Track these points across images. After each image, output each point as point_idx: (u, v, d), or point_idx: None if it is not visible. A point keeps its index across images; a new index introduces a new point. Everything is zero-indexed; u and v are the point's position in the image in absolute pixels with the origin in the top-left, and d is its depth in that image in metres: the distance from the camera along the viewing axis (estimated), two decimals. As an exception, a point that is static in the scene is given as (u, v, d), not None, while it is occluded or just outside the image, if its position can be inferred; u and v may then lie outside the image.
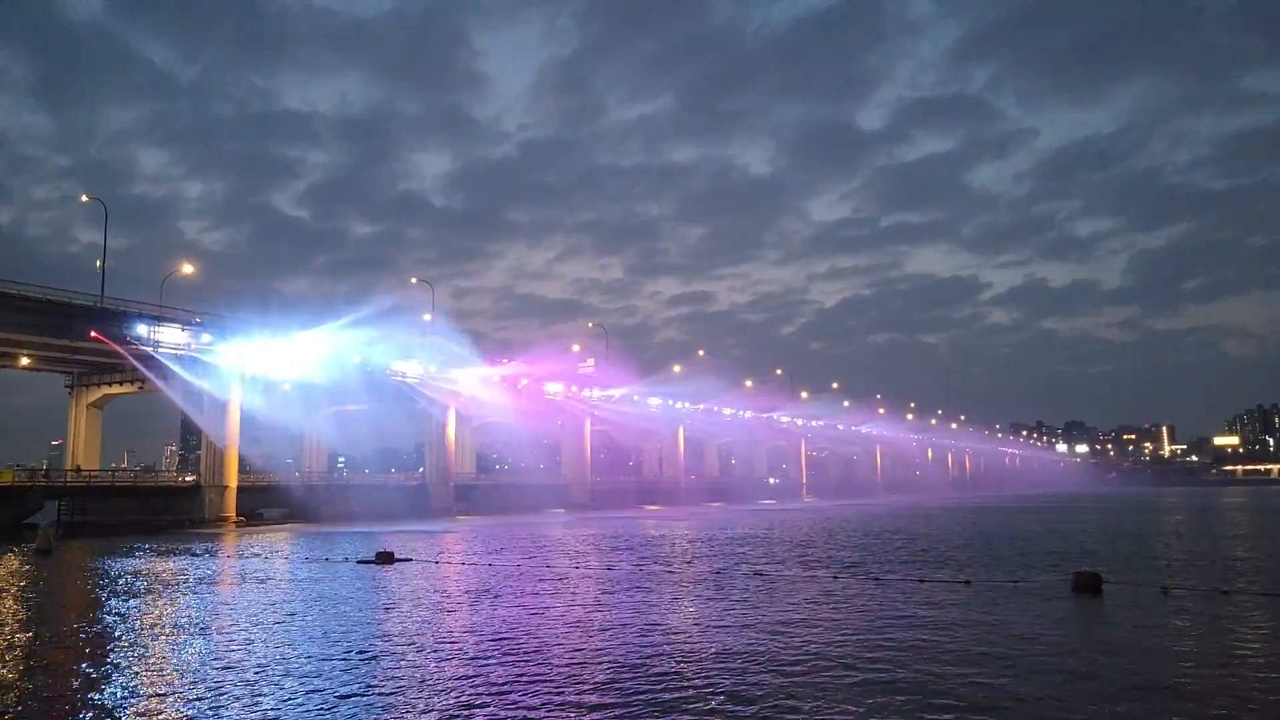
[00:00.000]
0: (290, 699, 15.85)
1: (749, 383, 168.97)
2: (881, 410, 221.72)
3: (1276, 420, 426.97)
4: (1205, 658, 19.14)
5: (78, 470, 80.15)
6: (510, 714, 14.79)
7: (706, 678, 17.32)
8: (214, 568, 42.17)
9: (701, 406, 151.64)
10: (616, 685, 16.77)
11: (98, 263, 76.18)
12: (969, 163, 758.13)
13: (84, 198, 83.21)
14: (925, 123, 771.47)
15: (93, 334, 71.19)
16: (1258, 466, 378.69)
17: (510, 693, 16.19)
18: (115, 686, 16.96)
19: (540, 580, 34.53)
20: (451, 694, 16.19)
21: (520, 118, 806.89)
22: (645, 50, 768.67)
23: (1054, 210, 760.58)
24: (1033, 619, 24.27)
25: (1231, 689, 16.35)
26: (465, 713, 14.91)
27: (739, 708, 15.11)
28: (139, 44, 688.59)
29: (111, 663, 19.26)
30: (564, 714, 14.81)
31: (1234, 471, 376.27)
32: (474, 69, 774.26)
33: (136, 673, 18.18)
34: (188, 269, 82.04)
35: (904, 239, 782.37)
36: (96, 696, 16.18)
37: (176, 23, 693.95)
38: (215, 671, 18.25)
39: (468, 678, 17.49)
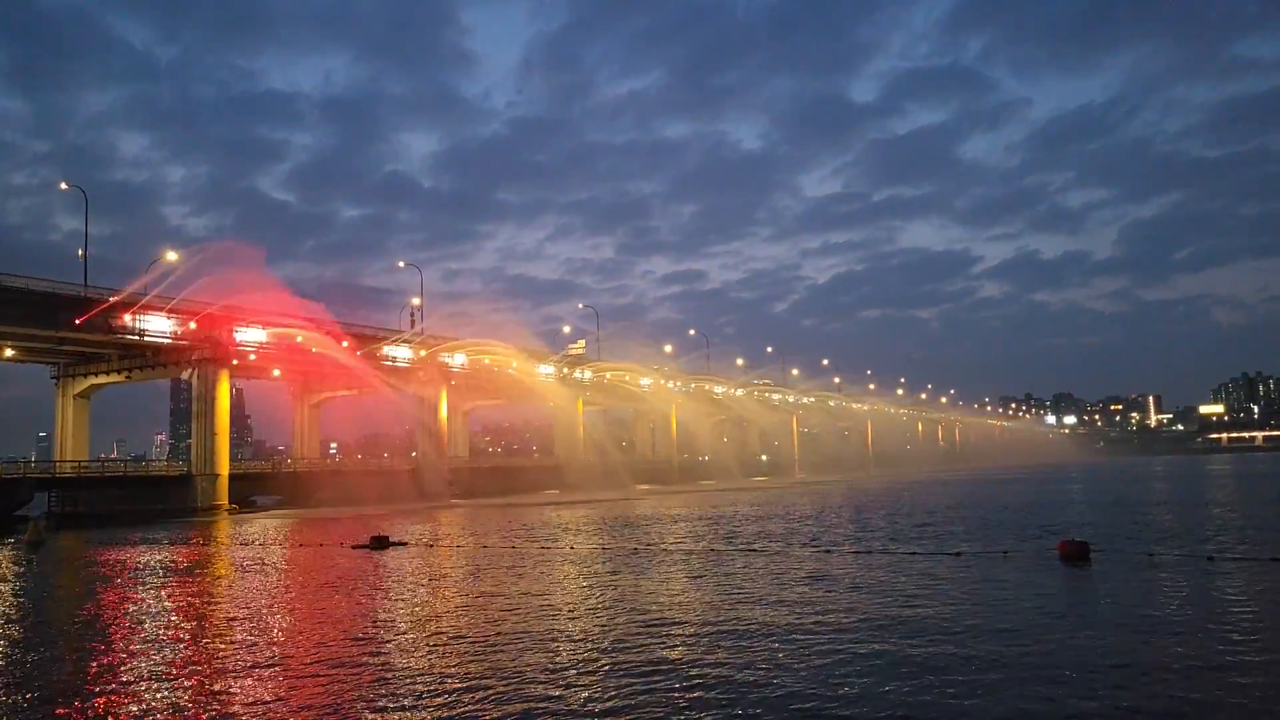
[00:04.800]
0: (283, 687, 15.92)
1: (741, 361, 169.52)
2: (872, 386, 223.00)
3: (1261, 388, 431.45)
4: (1187, 623, 19.47)
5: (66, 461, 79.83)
6: (511, 699, 14.91)
7: (703, 656, 17.49)
8: (206, 556, 42.17)
9: (693, 385, 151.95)
10: (613, 669, 16.91)
11: (80, 252, 75.45)
12: (961, 135, 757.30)
13: (64, 185, 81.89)
14: (918, 94, 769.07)
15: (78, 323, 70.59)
16: (1242, 434, 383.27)
17: (510, 676, 16.32)
18: (109, 681, 16.98)
19: (535, 562, 34.70)
20: (447, 680, 16.31)
21: (509, 95, 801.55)
22: (635, 25, 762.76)
23: (1046, 182, 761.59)
24: (1020, 588, 24.60)
25: (1211, 653, 16.64)
26: (461, 699, 15.02)
27: (736, 685, 15.29)
28: (116, 25, 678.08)
29: (104, 657, 19.27)
30: (561, 696, 14.94)
31: (1219, 439, 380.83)
32: (461, 46, 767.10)
33: (128, 666, 18.20)
34: (171, 256, 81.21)
35: (896, 213, 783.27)
36: (90, 691, 16.20)
37: (155, 2, 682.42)
38: (208, 663, 18.30)
39: (462, 663, 17.61)
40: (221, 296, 77.54)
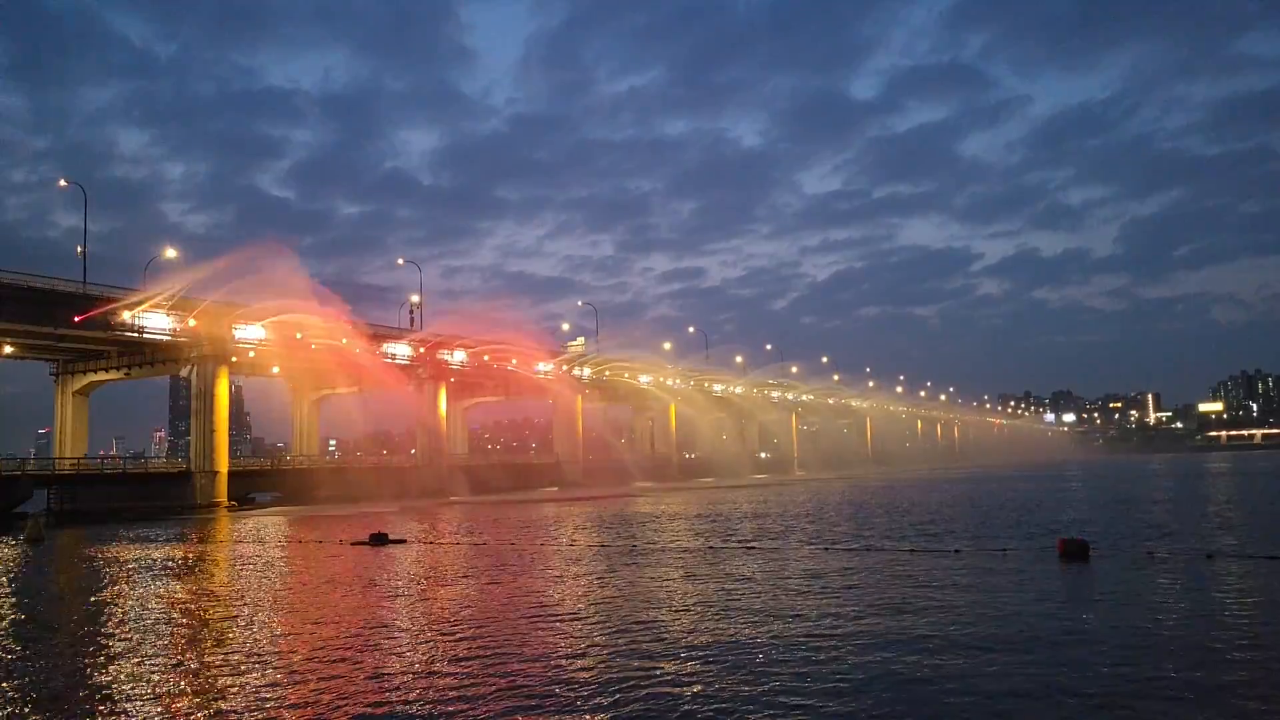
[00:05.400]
0: (281, 684, 15.90)
1: (740, 358, 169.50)
2: (872, 383, 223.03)
3: (1260, 386, 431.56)
4: (1186, 621, 19.46)
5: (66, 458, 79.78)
6: (508, 697, 14.90)
7: (701, 654, 17.48)
8: (204, 553, 42.15)
9: (692, 382, 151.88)
10: (609, 668, 16.90)
11: (79, 249, 75.35)
12: (961, 132, 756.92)
13: (63, 182, 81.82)
14: (918, 92, 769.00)
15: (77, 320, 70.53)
16: (1241, 432, 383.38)
17: (507, 674, 16.31)
18: (107, 679, 16.96)
19: (534, 560, 34.69)
20: (444, 679, 16.29)
21: (509, 92, 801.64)
22: (635, 21, 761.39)
23: (1046, 179, 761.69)
24: (1020, 586, 24.58)
25: (1211, 651, 16.63)
26: (459, 698, 15.01)
27: (735, 684, 15.28)
28: (116, 21, 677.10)
29: (103, 654, 19.25)
30: (557, 695, 14.92)
31: (1218, 438, 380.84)
32: (461, 43, 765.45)
33: (126, 663, 18.18)
34: (170, 253, 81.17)
35: (896, 211, 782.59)
36: (89, 689, 16.18)
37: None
38: (205, 660, 18.29)
39: (459, 661, 17.60)
40: (226, 293, 77.25)
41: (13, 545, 47.24)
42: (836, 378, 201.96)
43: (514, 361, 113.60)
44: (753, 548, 36.21)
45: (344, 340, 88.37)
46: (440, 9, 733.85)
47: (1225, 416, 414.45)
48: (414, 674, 16.26)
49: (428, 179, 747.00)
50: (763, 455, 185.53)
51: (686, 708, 13.75)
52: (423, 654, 17.94)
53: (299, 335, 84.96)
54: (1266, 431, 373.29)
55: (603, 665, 16.56)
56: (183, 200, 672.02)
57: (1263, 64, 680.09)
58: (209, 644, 19.57)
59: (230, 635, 20.45)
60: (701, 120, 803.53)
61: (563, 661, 16.97)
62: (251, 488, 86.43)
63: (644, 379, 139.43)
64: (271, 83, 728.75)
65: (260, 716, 13.77)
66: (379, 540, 41.81)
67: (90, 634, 21.16)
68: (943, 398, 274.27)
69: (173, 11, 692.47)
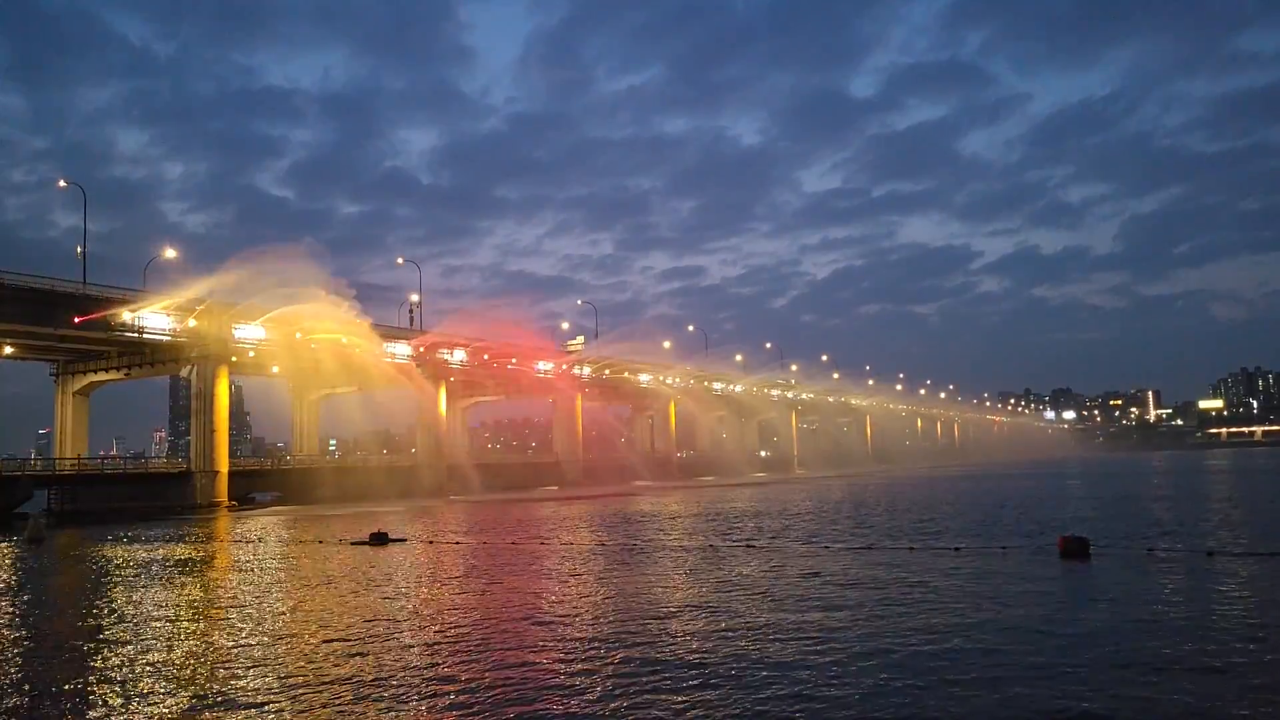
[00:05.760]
0: (284, 685, 15.89)
1: (740, 357, 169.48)
2: (872, 381, 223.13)
3: (1260, 383, 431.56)
4: (1187, 619, 19.44)
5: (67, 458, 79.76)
6: (507, 697, 14.89)
7: (701, 655, 17.47)
8: (204, 553, 42.15)
9: (692, 381, 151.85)
10: (608, 668, 16.89)
11: (78, 249, 75.32)
12: (961, 130, 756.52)
13: (62, 182, 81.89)
14: (917, 89, 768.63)
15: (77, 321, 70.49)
16: (1241, 429, 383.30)
17: (507, 674, 16.30)
18: (106, 679, 16.95)
19: (534, 559, 34.69)
20: (443, 679, 16.28)
21: (508, 91, 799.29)
22: (634, 20, 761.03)
23: (1045, 177, 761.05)
24: (1020, 584, 24.56)
25: (1212, 650, 16.62)
26: (457, 698, 15.00)
27: (735, 684, 15.27)
28: (115, 21, 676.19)
29: (101, 654, 19.23)
30: (555, 695, 14.92)
31: (1219, 434, 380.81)
32: (460, 41, 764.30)
33: (125, 664, 18.17)
34: (170, 253, 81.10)
35: (895, 208, 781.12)
36: (88, 689, 16.17)
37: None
38: (204, 660, 18.28)
39: (459, 661, 17.59)
40: (229, 292, 76.99)
41: (12, 545, 47.23)
42: (836, 376, 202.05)
43: (514, 360, 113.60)
44: (753, 546, 36.21)
45: (344, 339, 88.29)
46: (439, 8, 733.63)
47: (1225, 413, 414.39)
48: (415, 674, 16.24)
49: (427, 178, 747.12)
50: (763, 453, 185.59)
51: (690, 710, 13.74)
52: (424, 654, 17.92)
53: (299, 334, 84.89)
54: (1267, 428, 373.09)
55: (605, 665, 16.54)
56: (182, 200, 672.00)
57: (1262, 61, 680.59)
58: (208, 644, 19.55)
59: (230, 635, 20.43)
60: (701, 118, 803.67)
61: (565, 662, 16.95)
62: (252, 487, 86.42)
63: (644, 378, 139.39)
64: (271, 82, 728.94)
65: (260, 717, 13.76)
66: (379, 540, 41.80)
67: (89, 634, 21.13)
68: (943, 395, 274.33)
69: (172, 11, 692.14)
